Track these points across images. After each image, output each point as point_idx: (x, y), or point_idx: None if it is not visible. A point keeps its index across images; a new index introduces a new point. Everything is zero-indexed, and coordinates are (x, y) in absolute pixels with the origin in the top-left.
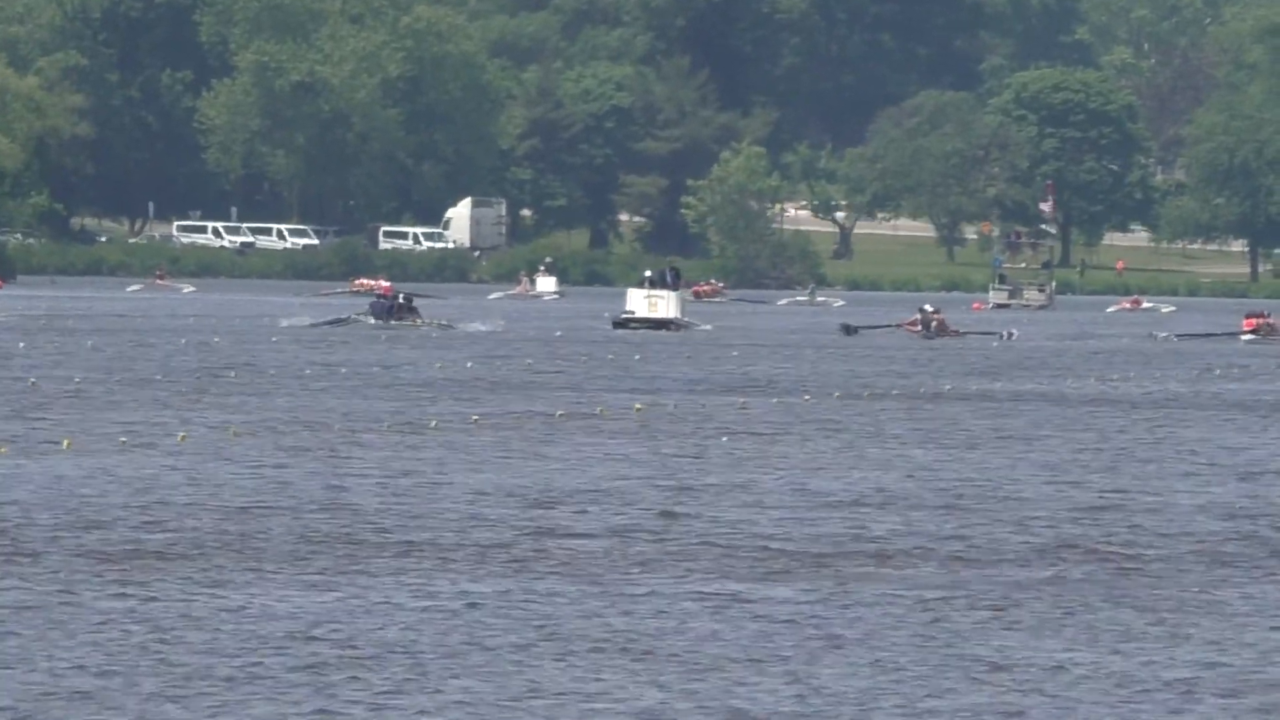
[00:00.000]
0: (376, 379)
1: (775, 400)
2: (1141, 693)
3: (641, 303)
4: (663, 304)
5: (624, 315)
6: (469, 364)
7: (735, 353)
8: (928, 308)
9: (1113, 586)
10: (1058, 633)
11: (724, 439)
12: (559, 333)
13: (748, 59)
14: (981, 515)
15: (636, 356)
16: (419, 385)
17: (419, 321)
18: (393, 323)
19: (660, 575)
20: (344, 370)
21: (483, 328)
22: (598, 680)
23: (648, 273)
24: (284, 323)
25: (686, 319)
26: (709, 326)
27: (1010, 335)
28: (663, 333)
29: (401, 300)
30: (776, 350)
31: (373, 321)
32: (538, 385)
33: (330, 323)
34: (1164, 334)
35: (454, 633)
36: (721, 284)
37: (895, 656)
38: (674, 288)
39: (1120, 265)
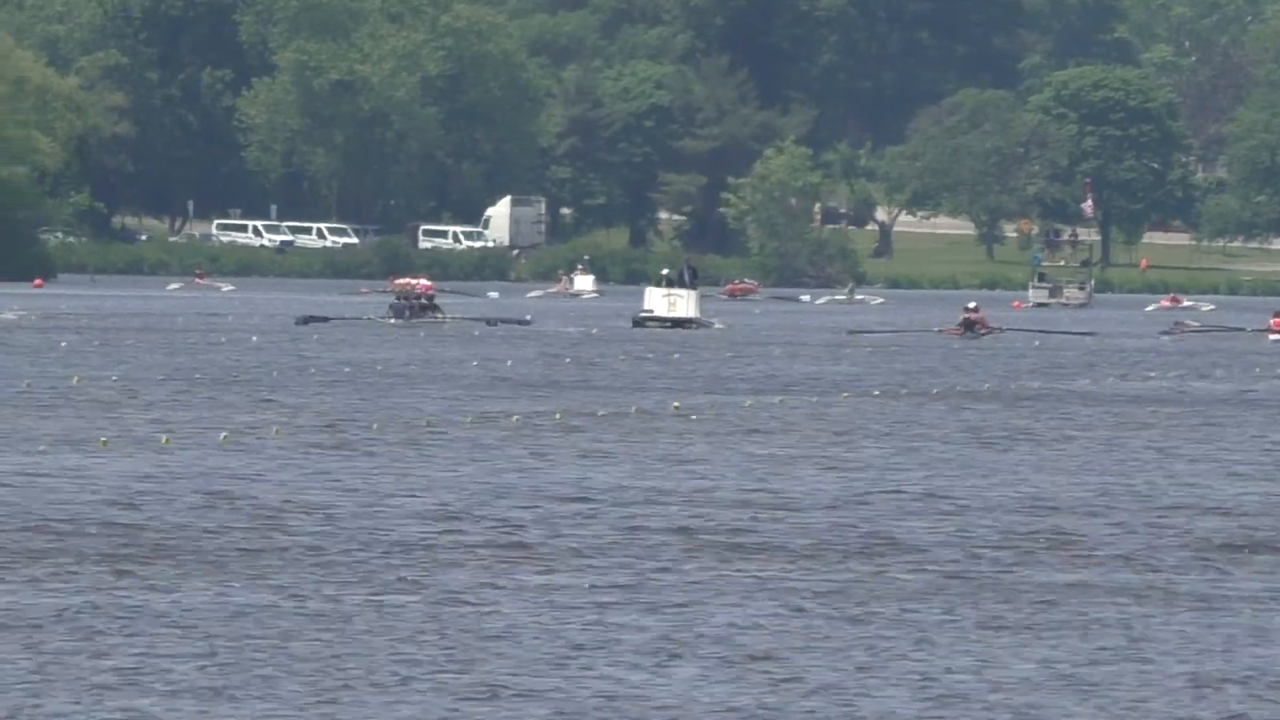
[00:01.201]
0: (412, 376)
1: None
2: None
3: (660, 302)
4: (681, 303)
5: (642, 314)
6: (508, 362)
7: (753, 350)
8: (970, 305)
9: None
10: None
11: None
12: (595, 330)
13: (786, 57)
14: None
15: (675, 355)
16: (470, 383)
17: (441, 318)
18: (414, 321)
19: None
20: (379, 368)
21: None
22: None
23: (665, 271)
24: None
25: (705, 318)
26: (721, 325)
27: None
28: (682, 331)
29: (423, 299)
30: (795, 349)
31: (394, 321)
32: (592, 383)
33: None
34: (1173, 335)
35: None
36: (756, 283)
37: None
38: (692, 286)
39: (1144, 264)
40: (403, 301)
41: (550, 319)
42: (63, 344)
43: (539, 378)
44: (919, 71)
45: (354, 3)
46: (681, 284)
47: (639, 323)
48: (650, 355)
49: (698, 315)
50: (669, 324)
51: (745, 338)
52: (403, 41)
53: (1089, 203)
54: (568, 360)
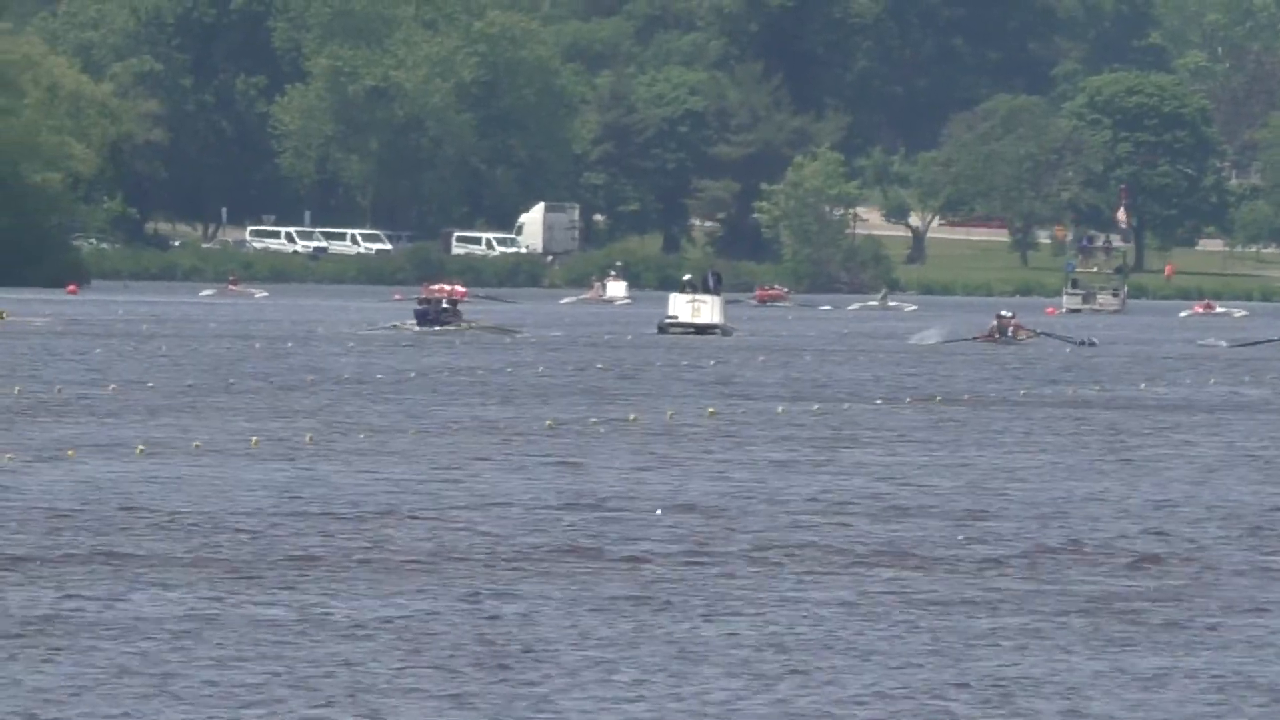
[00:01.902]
0: (462, 383)
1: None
2: None
3: (684, 307)
4: (705, 309)
5: (667, 320)
6: (540, 368)
7: (762, 358)
8: (1005, 313)
9: None
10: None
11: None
12: (609, 335)
13: (820, 63)
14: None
15: (712, 361)
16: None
17: (464, 325)
18: (437, 328)
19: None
20: (445, 374)
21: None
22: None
23: (687, 277)
24: (320, 330)
25: (729, 324)
26: (740, 331)
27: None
28: (706, 338)
29: (445, 305)
30: (826, 354)
31: (417, 328)
32: (625, 391)
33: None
34: (1215, 341)
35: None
36: (786, 289)
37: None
38: (716, 292)
39: (1169, 270)
40: (426, 307)
41: (585, 325)
42: (127, 349)
43: (614, 384)
44: (953, 77)
45: (387, 9)
46: (706, 290)
47: (663, 329)
48: (684, 361)
49: (722, 321)
50: (693, 330)
51: (775, 344)
52: (437, 48)
53: (1123, 209)
54: (657, 364)
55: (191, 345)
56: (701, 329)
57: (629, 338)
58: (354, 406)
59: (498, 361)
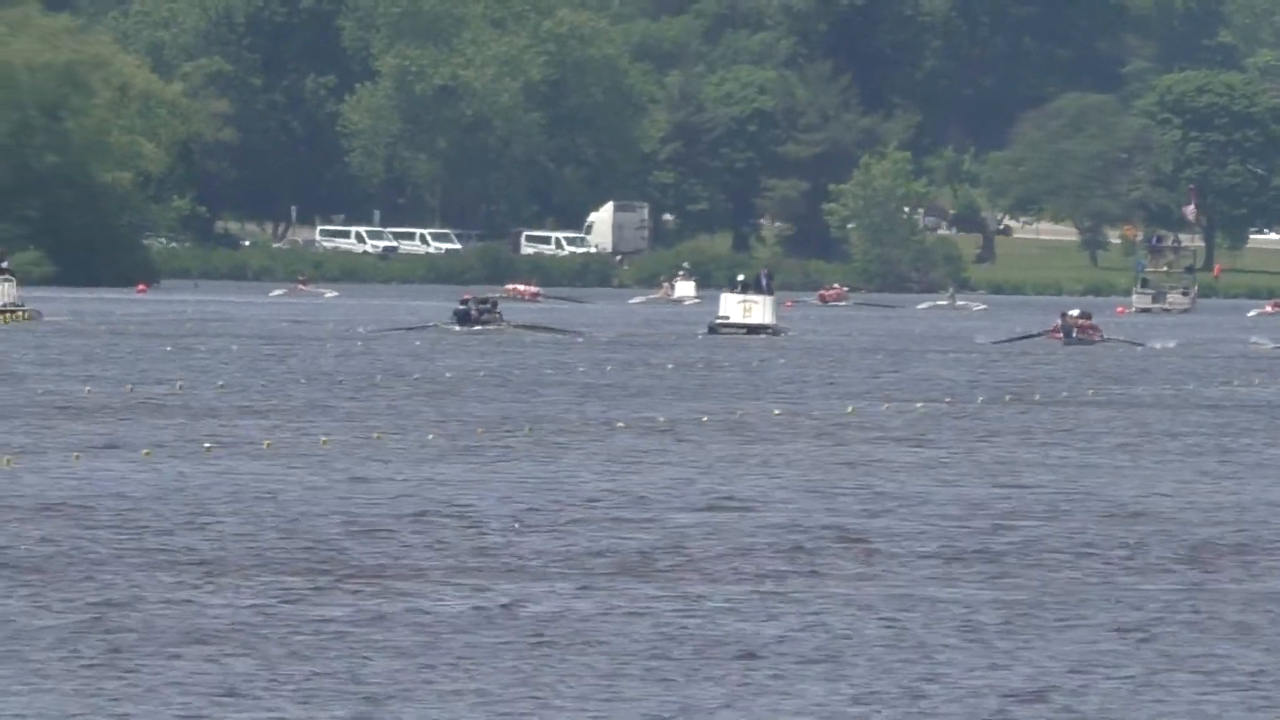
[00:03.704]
0: (523, 381)
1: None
2: None
3: (736, 308)
4: (757, 309)
5: (718, 320)
6: (608, 367)
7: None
8: (1073, 312)
9: None
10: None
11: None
12: (703, 331)
13: (890, 62)
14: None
15: (782, 364)
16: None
17: (503, 326)
18: (476, 328)
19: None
20: (517, 372)
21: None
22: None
23: (740, 277)
24: (361, 329)
25: (781, 324)
26: (792, 331)
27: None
28: (759, 338)
29: (485, 305)
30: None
31: (457, 328)
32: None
33: (412, 329)
34: (1261, 341)
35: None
36: (846, 288)
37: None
38: (768, 292)
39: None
40: (466, 307)
41: (636, 325)
42: (229, 347)
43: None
44: (1022, 76)
45: (456, 8)
46: (759, 290)
47: (714, 329)
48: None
49: (773, 321)
50: (744, 330)
51: (829, 345)
52: (505, 47)
53: (1192, 208)
54: (727, 366)
55: (257, 345)
56: (753, 329)
57: (673, 338)
58: (454, 406)
59: (558, 360)
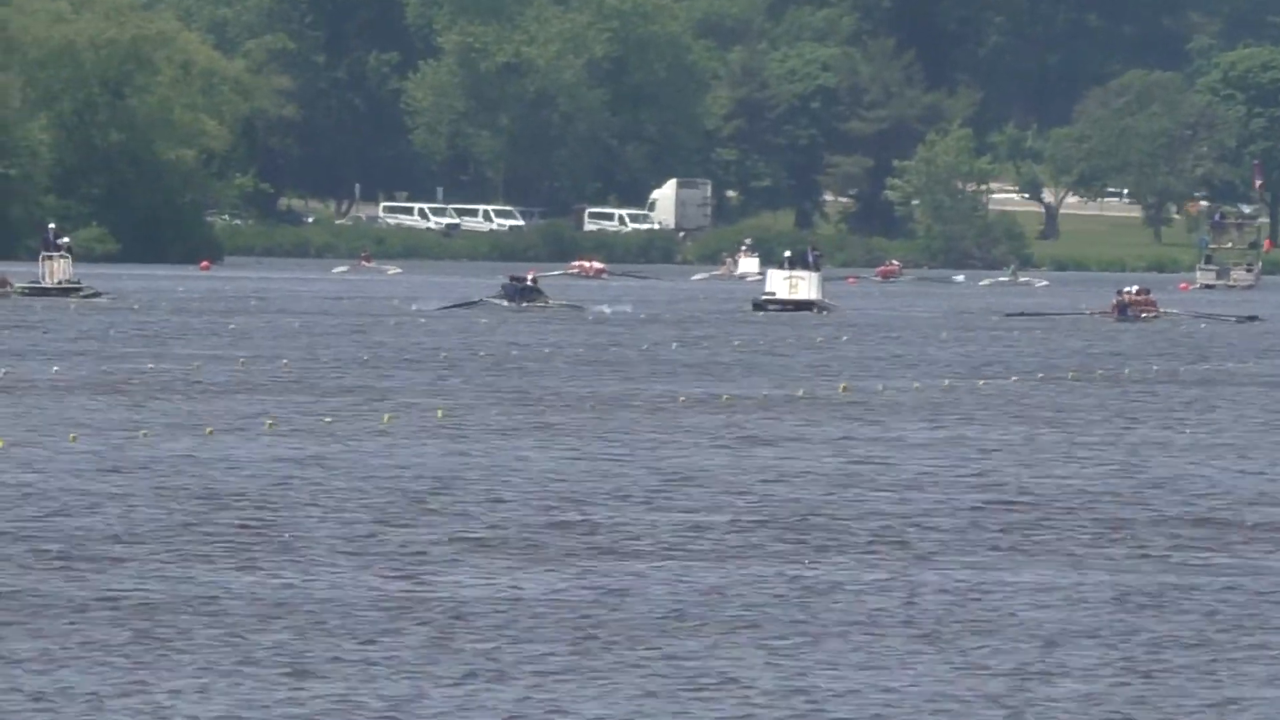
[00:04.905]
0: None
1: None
2: None
3: (782, 284)
4: (804, 285)
5: (763, 297)
6: (674, 345)
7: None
8: (1129, 289)
9: None
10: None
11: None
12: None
13: (953, 39)
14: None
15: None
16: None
17: (548, 303)
18: (523, 305)
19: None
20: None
21: (608, 310)
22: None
23: (788, 253)
24: (414, 306)
25: (828, 300)
26: (842, 308)
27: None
28: (804, 314)
29: (530, 282)
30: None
31: (505, 304)
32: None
33: (461, 305)
34: None
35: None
36: (899, 264)
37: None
38: (815, 268)
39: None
40: (513, 285)
41: (650, 305)
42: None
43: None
44: (1086, 53)
45: None
46: (805, 266)
47: (759, 305)
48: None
49: (820, 298)
50: (790, 307)
51: (877, 321)
52: (568, 24)
53: (1258, 184)
54: (791, 342)
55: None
56: (799, 305)
57: (715, 314)
58: (518, 381)
59: (626, 339)
